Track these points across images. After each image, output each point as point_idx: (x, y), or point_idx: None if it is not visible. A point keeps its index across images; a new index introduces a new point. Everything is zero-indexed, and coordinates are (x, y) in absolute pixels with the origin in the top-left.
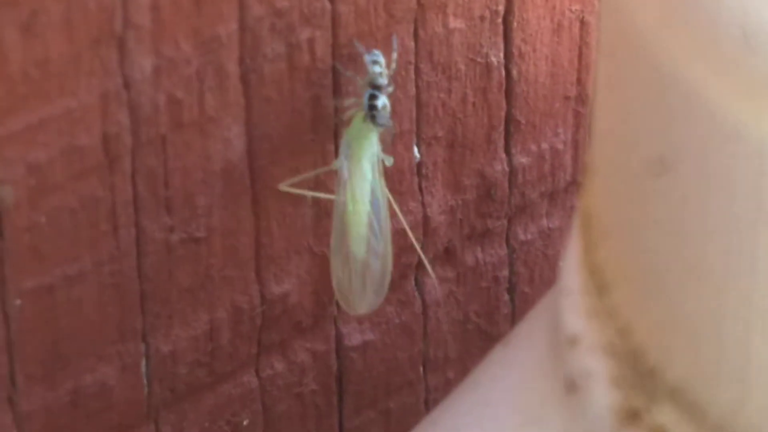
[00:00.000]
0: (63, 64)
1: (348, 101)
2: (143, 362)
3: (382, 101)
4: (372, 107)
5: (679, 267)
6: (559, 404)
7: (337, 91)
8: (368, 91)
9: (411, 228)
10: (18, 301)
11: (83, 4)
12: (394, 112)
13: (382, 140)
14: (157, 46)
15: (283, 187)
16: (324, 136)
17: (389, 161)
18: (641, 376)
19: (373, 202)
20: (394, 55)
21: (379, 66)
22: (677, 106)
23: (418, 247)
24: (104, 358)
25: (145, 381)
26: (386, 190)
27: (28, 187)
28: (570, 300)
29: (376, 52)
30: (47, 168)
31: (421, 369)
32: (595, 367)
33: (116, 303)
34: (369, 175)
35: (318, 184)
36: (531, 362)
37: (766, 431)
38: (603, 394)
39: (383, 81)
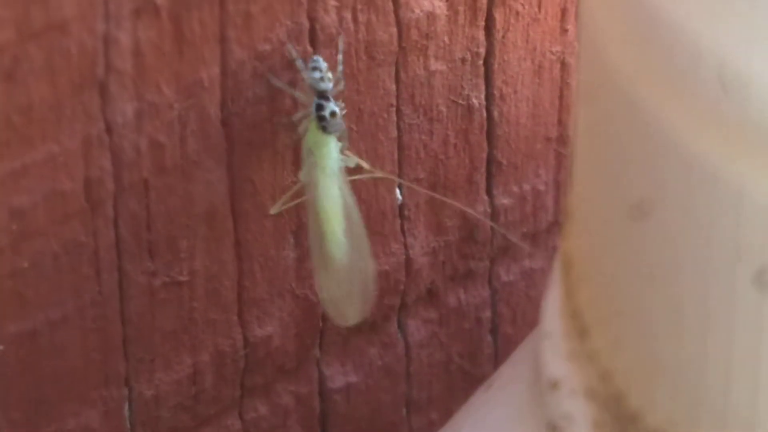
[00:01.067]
0: (45, 110)
1: (299, 114)
2: (126, 406)
3: (330, 108)
4: (321, 118)
5: (658, 311)
6: None
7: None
8: (315, 101)
9: (393, 270)
10: (0, 346)
11: (65, 49)
12: (375, 154)
13: (341, 141)
14: (139, 90)
15: (274, 209)
16: None
17: (352, 162)
18: (623, 421)
19: (344, 206)
20: (340, 57)
21: (319, 71)
22: (655, 150)
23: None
24: (87, 402)
25: (128, 425)
26: (352, 193)
27: (11, 232)
28: (551, 343)
29: (315, 57)
30: (30, 213)
31: (405, 411)
32: (577, 411)
33: (99, 347)
34: (335, 181)
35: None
36: (513, 405)
37: None
38: None
39: (326, 86)
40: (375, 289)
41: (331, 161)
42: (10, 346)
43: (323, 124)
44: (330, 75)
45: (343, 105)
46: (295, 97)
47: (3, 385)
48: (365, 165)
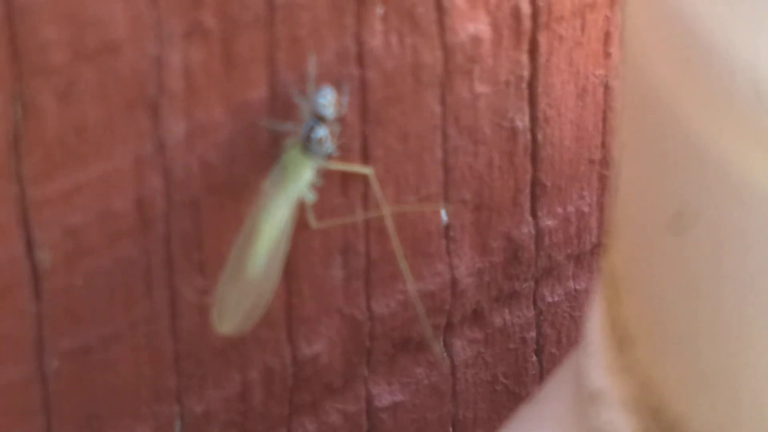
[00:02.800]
0: (98, 130)
1: (287, 125)
2: (177, 422)
3: (321, 133)
4: (308, 138)
5: (698, 322)
6: None
7: (365, 151)
8: (310, 121)
9: (439, 290)
10: (55, 363)
11: (118, 71)
12: (421, 175)
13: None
14: (189, 111)
15: (316, 224)
16: (353, 198)
17: (310, 198)
18: (663, 430)
19: (282, 233)
20: (345, 99)
21: (326, 99)
22: (695, 164)
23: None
24: (139, 418)
25: None
26: (293, 226)
27: (65, 251)
28: (594, 356)
29: (328, 89)
30: (83, 231)
31: (451, 430)
32: (619, 421)
33: (151, 363)
34: (291, 204)
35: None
36: (557, 418)
37: None
38: None
39: (328, 113)
40: (259, 316)
41: (297, 184)
42: (63, 363)
43: (308, 144)
44: (334, 108)
45: (335, 148)
46: (301, 109)
47: (57, 400)
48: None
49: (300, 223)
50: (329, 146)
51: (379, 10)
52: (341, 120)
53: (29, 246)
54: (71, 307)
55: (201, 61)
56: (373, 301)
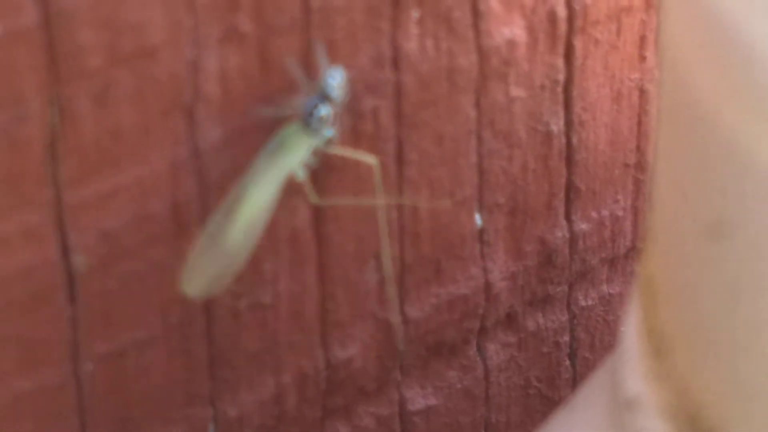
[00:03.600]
0: (134, 134)
1: (291, 100)
2: (211, 426)
3: (324, 111)
4: (310, 114)
5: (737, 329)
6: None
7: (400, 155)
8: (315, 98)
9: (472, 294)
10: (90, 366)
11: (154, 75)
12: (455, 179)
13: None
14: (225, 116)
15: (316, 200)
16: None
17: (301, 176)
18: None
19: (269, 204)
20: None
21: (335, 80)
22: (735, 170)
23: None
24: (173, 421)
25: None
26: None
27: (100, 254)
28: (630, 362)
29: (339, 69)
30: (119, 235)
31: None
32: (655, 429)
33: (185, 367)
34: (280, 179)
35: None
36: (592, 425)
37: None
38: None
39: (335, 94)
40: (227, 283)
41: (290, 159)
42: (98, 366)
43: (309, 120)
44: (341, 91)
45: (336, 133)
46: (302, 89)
47: (91, 403)
48: (350, 154)
49: (333, 228)
50: (330, 127)
51: (415, 14)
52: (346, 105)
53: (65, 250)
54: (106, 310)
55: (237, 65)
56: (407, 304)
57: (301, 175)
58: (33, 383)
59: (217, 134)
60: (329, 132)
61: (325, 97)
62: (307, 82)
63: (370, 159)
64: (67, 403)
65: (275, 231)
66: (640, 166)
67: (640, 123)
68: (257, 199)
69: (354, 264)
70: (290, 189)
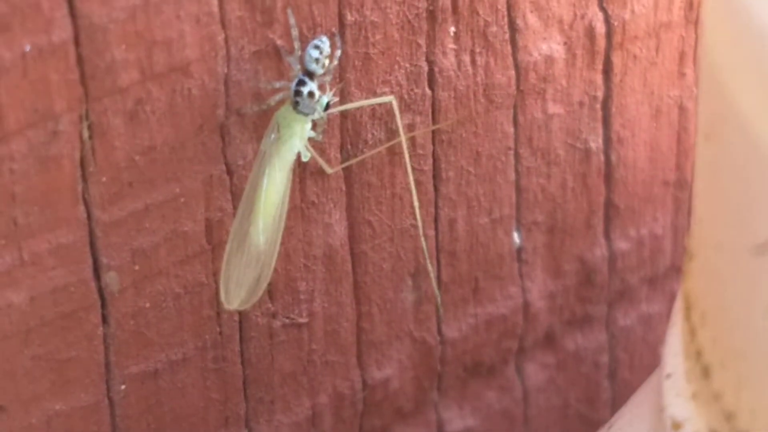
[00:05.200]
0: (167, 151)
1: (279, 84)
2: None
3: (309, 88)
4: (297, 93)
5: None
6: None
7: (437, 172)
8: (299, 77)
9: (511, 313)
10: (123, 386)
11: (187, 92)
12: (493, 197)
13: (314, 129)
14: (259, 132)
15: (330, 169)
16: (425, 221)
17: (306, 156)
18: None
19: (283, 193)
20: (338, 53)
21: (318, 51)
22: None
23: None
24: None
25: None
26: (290, 185)
27: (133, 273)
28: (673, 384)
29: (323, 38)
30: (152, 254)
31: None
32: None
33: (219, 388)
34: (289, 165)
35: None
36: None
37: None
38: None
39: (317, 68)
40: (263, 290)
41: (291, 143)
42: (132, 386)
43: (297, 99)
44: (327, 61)
45: (332, 95)
46: (288, 67)
47: (124, 424)
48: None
49: (369, 246)
50: (321, 100)
51: (452, 29)
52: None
53: (97, 269)
54: (139, 330)
55: (271, 80)
56: (444, 324)
57: (307, 154)
58: (66, 404)
59: (251, 151)
60: (321, 103)
61: (307, 73)
62: (290, 56)
63: (386, 99)
64: (100, 424)
65: (310, 249)
66: (680, 183)
67: (679, 140)
68: (272, 195)
69: (390, 283)
70: (319, 190)
